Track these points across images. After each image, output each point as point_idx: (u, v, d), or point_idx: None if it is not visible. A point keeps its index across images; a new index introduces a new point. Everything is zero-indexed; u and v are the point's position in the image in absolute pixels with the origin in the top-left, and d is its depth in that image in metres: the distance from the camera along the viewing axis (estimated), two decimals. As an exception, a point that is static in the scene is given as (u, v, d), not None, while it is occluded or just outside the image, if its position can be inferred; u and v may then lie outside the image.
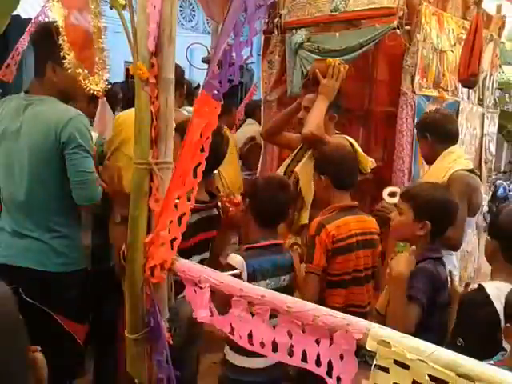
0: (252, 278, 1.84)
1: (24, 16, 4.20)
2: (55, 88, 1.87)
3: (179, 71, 2.84)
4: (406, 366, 0.82)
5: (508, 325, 1.30)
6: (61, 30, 1.39)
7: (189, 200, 1.23)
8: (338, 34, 3.21)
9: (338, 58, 3.08)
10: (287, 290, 1.93)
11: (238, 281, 1.11)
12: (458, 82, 3.25)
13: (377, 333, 0.90)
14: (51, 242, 1.98)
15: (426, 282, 1.70)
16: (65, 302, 1.98)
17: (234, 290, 1.09)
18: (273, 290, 1.11)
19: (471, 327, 1.54)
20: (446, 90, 3.24)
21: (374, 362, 0.83)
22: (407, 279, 1.64)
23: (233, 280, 1.13)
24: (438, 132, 2.58)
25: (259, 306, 1.06)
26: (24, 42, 3.21)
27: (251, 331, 1.00)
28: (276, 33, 3.47)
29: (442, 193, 1.89)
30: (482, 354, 0.89)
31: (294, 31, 3.38)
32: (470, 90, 3.46)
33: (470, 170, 2.50)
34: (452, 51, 3.22)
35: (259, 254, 1.93)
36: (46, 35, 1.64)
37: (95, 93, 1.38)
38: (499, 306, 1.50)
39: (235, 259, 1.87)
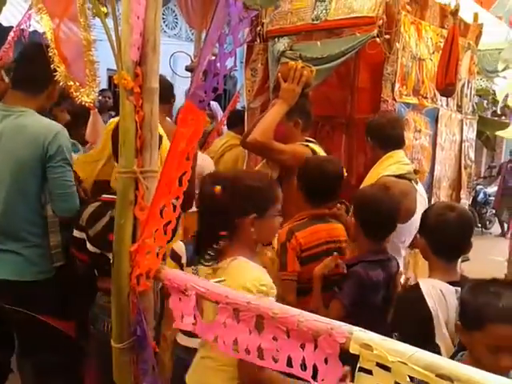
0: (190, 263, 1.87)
1: (5, 24, 4.17)
2: (44, 104, 1.92)
3: (168, 84, 2.87)
4: (387, 368, 0.84)
5: (458, 322, 1.37)
6: (50, 42, 1.41)
7: (174, 209, 1.24)
8: (319, 43, 3.26)
9: (319, 66, 3.15)
10: None
11: (224, 288, 1.12)
12: (436, 90, 3.32)
13: (359, 336, 0.92)
14: (24, 252, 2.01)
15: (351, 285, 1.87)
16: (48, 303, 2.01)
17: (219, 298, 1.11)
18: None
19: (406, 322, 1.61)
20: (426, 98, 3.31)
21: (358, 365, 0.85)
22: (320, 279, 1.92)
23: (218, 287, 1.14)
24: (379, 136, 2.61)
25: (244, 313, 1.08)
26: (6, 50, 3.19)
27: (236, 338, 1.01)
28: (258, 41, 3.51)
29: (375, 195, 2.00)
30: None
31: (276, 39, 3.42)
32: (449, 98, 3.54)
33: (401, 176, 2.49)
34: (431, 59, 3.29)
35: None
36: (44, 55, 1.64)
37: (87, 104, 1.40)
38: (431, 303, 1.56)
39: (177, 245, 1.90)
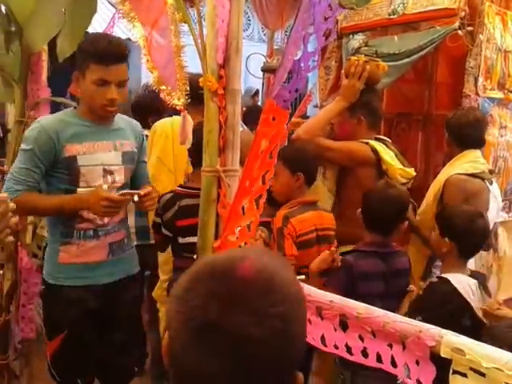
0: None
1: (91, 31, 4.43)
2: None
3: None
4: (482, 373, 0.81)
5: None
6: (143, 50, 1.50)
7: (257, 207, 1.27)
8: (396, 37, 3.17)
9: (396, 62, 3.06)
10: None
11: (308, 287, 1.13)
12: (524, 83, 3.12)
13: (450, 340, 0.89)
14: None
15: (339, 273, 1.93)
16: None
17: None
18: None
19: (439, 313, 1.68)
20: (512, 92, 3.12)
21: (452, 368, 0.83)
22: (317, 274, 1.93)
23: (303, 286, 1.15)
24: (458, 134, 2.51)
25: (327, 311, 1.08)
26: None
27: (323, 334, 1.02)
28: (332, 38, 3.47)
29: (380, 191, 2.05)
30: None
31: (350, 36, 3.37)
32: (538, 91, 3.31)
33: (475, 175, 2.39)
34: (517, 51, 3.10)
35: None
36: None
37: (177, 107, 1.47)
38: (466, 295, 1.76)
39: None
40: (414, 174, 2.40)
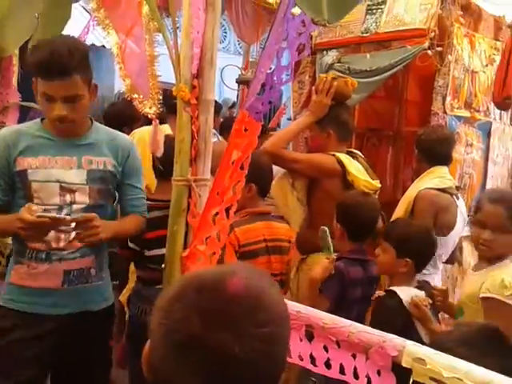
0: None
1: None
2: None
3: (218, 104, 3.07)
4: (442, 383, 0.83)
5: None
6: (116, 57, 1.49)
7: (228, 216, 1.28)
8: (368, 55, 3.25)
9: (368, 79, 3.14)
10: None
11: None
12: (490, 103, 3.23)
13: (412, 350, 0.91)
14: None
15: (334, 280, 1.95)
16: None
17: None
18: None
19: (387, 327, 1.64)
20: (478, 111, 3.23)
21: (411, 379, 0.85)
22: (319, 283, 1.93)
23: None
24: (427, 151, 2.59)
25: (294, 321, 1.09)
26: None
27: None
28: (306, 54, 3.53)
29: (355, 200, 2.10)
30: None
31: (324, 52, 3.43)
32: (502, 111, 3.44)
33: (443, 190, 2.47)
34: (484, 72, 3.21)
35: None
36: None
37: (149, 116, 1.47)
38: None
39: None
40: (379, 185, 2.45)
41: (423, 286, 1.92)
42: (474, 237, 1.81)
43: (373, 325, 1.74)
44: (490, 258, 1.76)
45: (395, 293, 1.82)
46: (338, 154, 2.39)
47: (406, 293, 1.82)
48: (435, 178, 2.53)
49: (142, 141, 2.69)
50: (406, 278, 1.89)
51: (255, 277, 0.66)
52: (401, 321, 1.75)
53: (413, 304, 1.73)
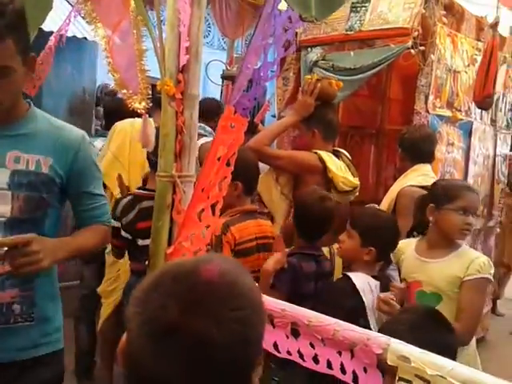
0: None
1: (46, 29, 4.29)
2: None
3: (215, 104, 3.29)
4: (427, 380, 0.84)
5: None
6: (103, 52, 1.46)
7: (213, 213, 1.26)
8: (352, 53, 3.26)
9: (351, 77, 3.15)
10: None
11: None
12: (471, 103, 3.28)
13: (396, 348, 0.92)
14: None
15: (287, 275, 1.96)
16: None
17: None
18: None
19: (338, 309, 1.65)
20: (460, 110, 3.27)
21: (397, 376, 0.85)
22: (271, 275, 1.93)
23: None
24: (410, 149, 2.64)
25: (279, 319, 1.08)
26: (46, 55, 3.28)
27: (276, 341, 1.02)
28: (292, 50, 3.53)
29: (309, 200, 2.10)
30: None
31: (309, 49, 3.43)
32: (483, 111, 3.49)
33: (426, 187, 2.43)
34: (466, 72, 3.25)
35: None
36: None
37: (139, 111, 1.44)
38: (362, 294, 1.80)
39: None
40: (357, 183, 2.51)
41: (381, 277, 1.93)
42: (452, 224, 1.82)
43: (320, 303, 1.79)
44: (450, 242, 1.85)
45: (349, 278, 1.86)
46: (319, 152, 2.46)
47: (361, 279, 1.85)
48: (418, 176, 2.57)
49: (124, 130, 2.73)
50: (367, 267, 1.90)
51: (230, 265, 0.68)
52: (350, 304, 1.77)
53: (382, 301, 1.74)
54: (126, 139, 2.73)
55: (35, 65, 1.29)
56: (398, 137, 2.83)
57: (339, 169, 2.46)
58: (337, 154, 2.55)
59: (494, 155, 3.78)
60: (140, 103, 1.42)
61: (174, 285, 0.62)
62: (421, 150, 2.63)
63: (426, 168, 2.64)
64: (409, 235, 2.12)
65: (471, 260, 1.77)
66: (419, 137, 2.66)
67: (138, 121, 2.52)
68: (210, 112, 3.11)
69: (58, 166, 1.30)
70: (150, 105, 1.59)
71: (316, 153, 2.46)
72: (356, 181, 2.50)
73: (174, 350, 0.59)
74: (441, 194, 1.87)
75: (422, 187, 2.50)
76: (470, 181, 3.45)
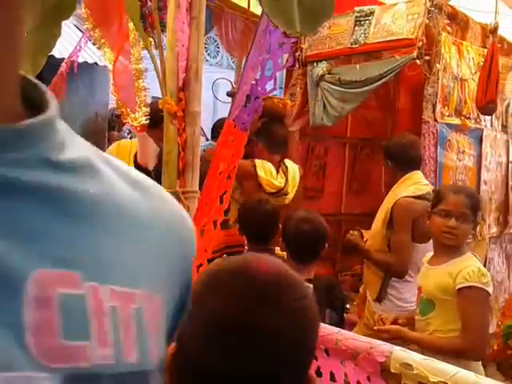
0: None
1: (58, 56, 4.42)
2: None
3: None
4: (429, 387, 0.83)
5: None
6: (110, 74, 1.51)
7: (215, 227, 1.28)
8: (358, 66, 3.28)
9: (358, 89, 3.18)
10: None
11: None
12: (478, 110, 3.26)
13: (399, 356, 0.91)
14: None
15: None
16: None
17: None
18: None
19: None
20: (469, 118, 3.25)
21: (402, 383, 0.84)
22: None
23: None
24: (400, 157, 2.58)
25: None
26: (58, 81, 3.37)
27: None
28: (298, 66, 3.57)
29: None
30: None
31: (315, 64, 3.47)
32: (493, 117, 3.46)
33: (420, 197, 2.46)
34: (473, 79, 3.24)
35: None
36: None
37: (135, 129, 1.48)
38: None
39: None
40: (282, 185, 2.75)
41: (324, 281, 2.07)
42: (436, 227, 1.81)
43: None
44: (450, 248, 1.80)
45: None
46: (256, 160, 2.78)
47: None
48: (411, 186, 2.52)
49: (124, 150, 2.83)
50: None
51: (273, 259, 0.69)
52: None
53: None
54: (127, 159, 2.86)
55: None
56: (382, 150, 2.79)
57: (267, 173, 2.74)
58: (283, 164, 2.86)
59: (507, 161, 3.74)
60: (136, 121, 1.45)
61: (232, 284, 0.62)
62: (409, 155, 2.58)
63: (417, 176, 2.59)
64: None
65: (461, 268, 1.70)
66: (406, 143, 2.62)
67: (135, 141, 2.63)
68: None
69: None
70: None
71: (252, 160, 2.75)
72: (280, 183, 2.75)
73: (238, 347, 0.59)
74: (432, 199, 1.94)
75: (416, 197, 2.47)
76: (484, 188, 3.41)
